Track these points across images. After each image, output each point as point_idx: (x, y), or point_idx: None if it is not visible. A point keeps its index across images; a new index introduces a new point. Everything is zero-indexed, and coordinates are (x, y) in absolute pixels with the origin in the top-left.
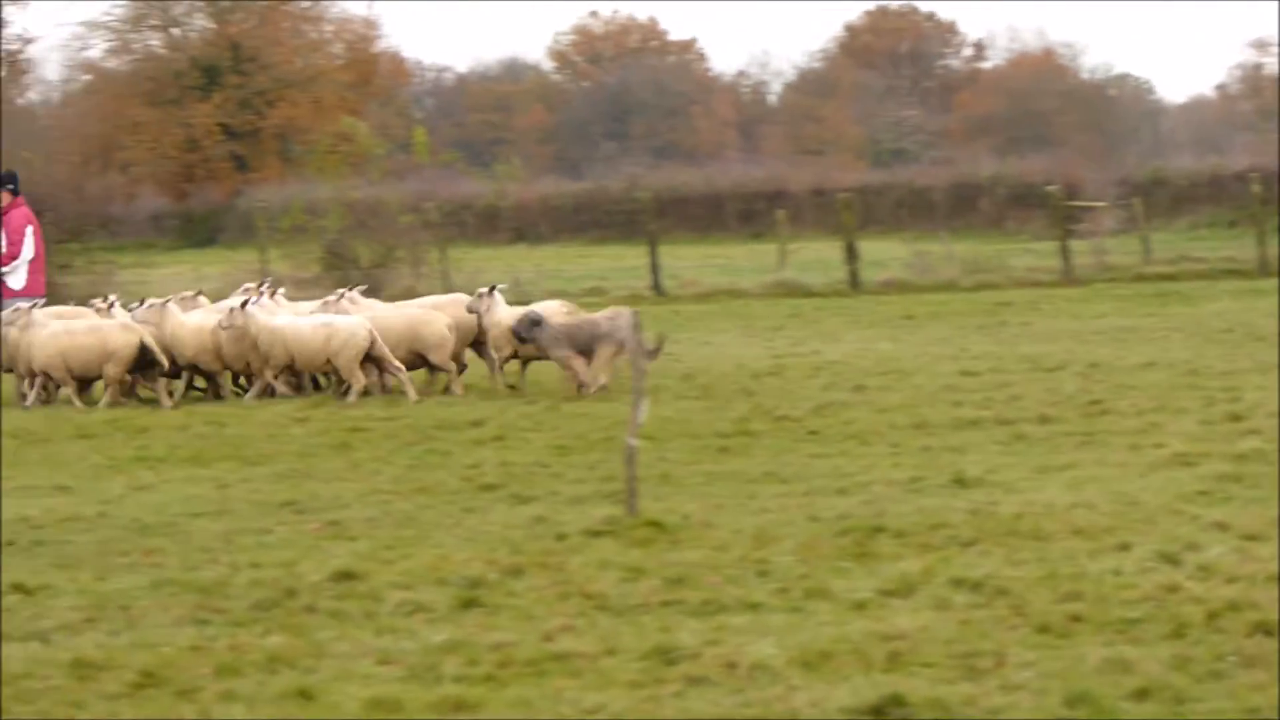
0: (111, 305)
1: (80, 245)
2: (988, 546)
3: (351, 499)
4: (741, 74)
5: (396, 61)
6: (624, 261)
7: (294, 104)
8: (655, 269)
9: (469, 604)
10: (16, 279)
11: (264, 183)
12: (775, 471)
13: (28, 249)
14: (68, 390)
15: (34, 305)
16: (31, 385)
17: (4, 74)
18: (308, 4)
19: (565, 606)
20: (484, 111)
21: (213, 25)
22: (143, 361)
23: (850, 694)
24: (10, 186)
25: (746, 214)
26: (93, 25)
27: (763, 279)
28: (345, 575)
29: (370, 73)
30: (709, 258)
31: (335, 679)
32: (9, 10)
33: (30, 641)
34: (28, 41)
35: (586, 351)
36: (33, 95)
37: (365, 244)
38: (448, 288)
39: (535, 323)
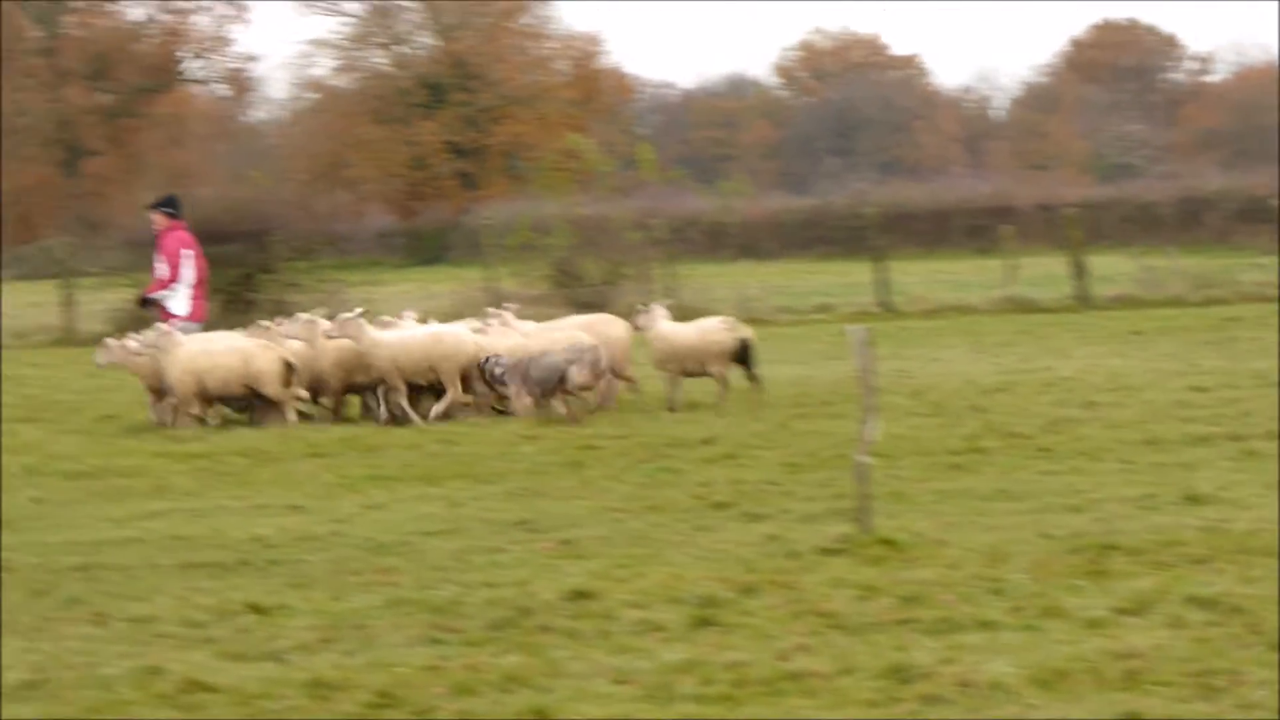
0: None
1: (308, 263)
2: (1221, 564)
3: (584, 517)
4: (966, 89)
5: (620, 78)
6: (850, 278)
7: (519, 121)
8: (882, 285)
9: (703, 623)
10: (179, 304)
11: (490, 200)
12: (1007, 489)
13: (187, 273)
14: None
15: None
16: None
17: (229, 91)
18: (532, 20)
19: (799, 625)
20: (709, 128)
21: (438, 43)
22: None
23: (1087, 713)
24: (168, 209)
25: (972, 229)
26: (319, 43)
27: (990, 295)
28: (579, 594)
29: (595, 89)
30: (935, 273)
31: (570, 698)
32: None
33: (266, 661)
34: (253, 60)
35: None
36: (260, 113)
37: (592, 261)
38: (674, 304)
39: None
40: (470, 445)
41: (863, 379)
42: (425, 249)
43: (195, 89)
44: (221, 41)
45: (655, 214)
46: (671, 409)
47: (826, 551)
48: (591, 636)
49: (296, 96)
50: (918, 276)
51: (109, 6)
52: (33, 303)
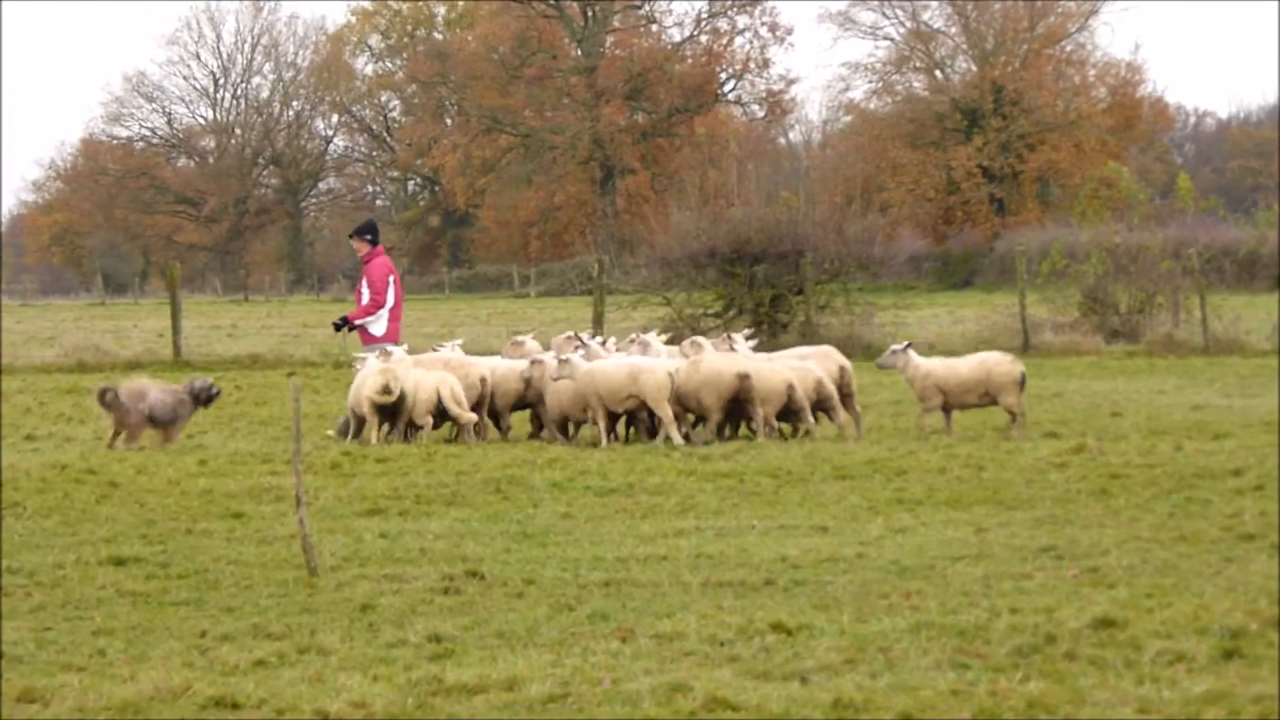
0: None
1: (839, 286)
2: None
3: (1110, 545)
4: None
5: (1159, 106)
6: None
7: (1054, 148)
8: None
9: (1230, 655)
10: (378, 327)
11: (1021, 226)
12: None
13: (389, 298)
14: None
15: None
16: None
17: (764, 113)
18: (1072, 47)
19: None
20: (1245, 157)
21: (975, 68)
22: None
23: None
24: (369, 236)
25: None
26: (855, 66)
27: None
28: (1105, 623)
29: (1133, 117)
30: None
31: None
32: (774, 52)
33: (790, 681)
34: (791, 82)
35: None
36: (795, 135)
37: (1124, 289)
38: (1206, 335)
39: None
40: (997, 471)
41: None
42: (955, 273)
43: (732, 110)
44: (760, 64)
45: (1190, 243)
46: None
47: None
48: (1117, 666)
49: (832, 119)
50: None
51: (651, 28)
52: (560, 318)
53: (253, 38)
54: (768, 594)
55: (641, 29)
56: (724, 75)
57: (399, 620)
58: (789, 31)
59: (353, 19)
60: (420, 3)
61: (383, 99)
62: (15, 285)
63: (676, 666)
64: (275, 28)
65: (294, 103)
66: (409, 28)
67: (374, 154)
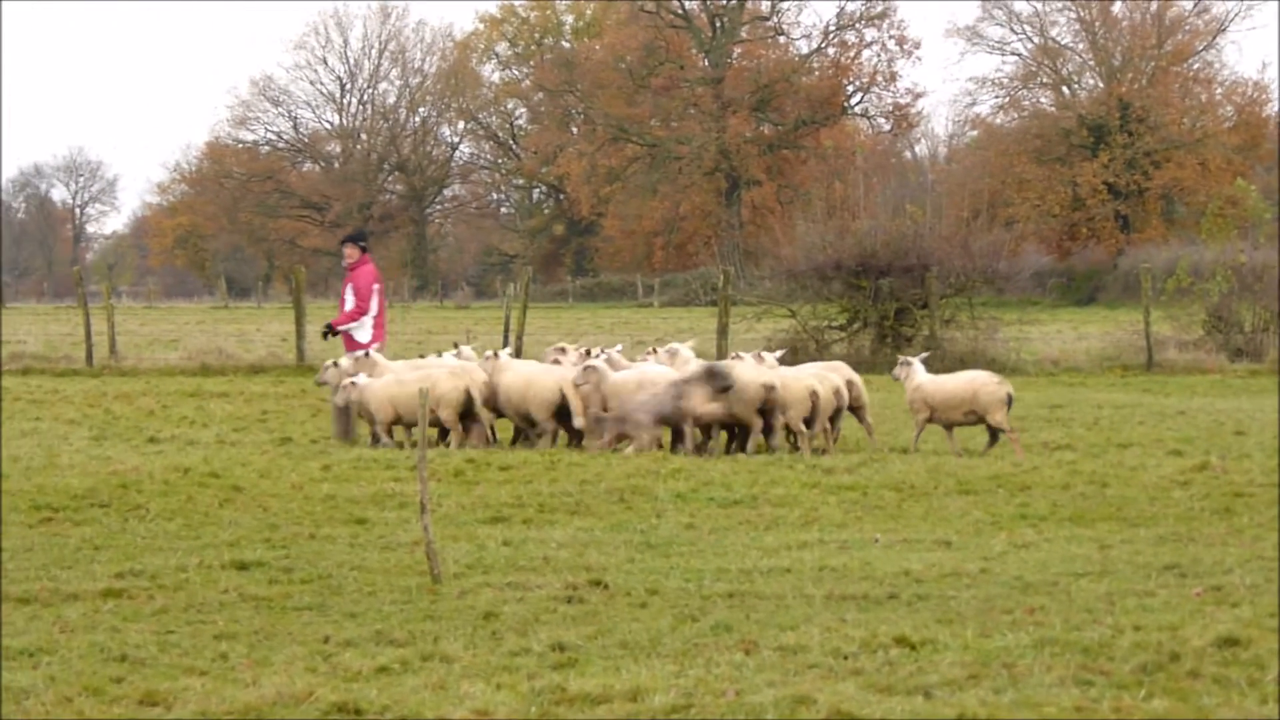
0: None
1: (964, 300)
2: None
3: (1234, 564)
4: None
5: None
6: None
7: (1180, 165)
8: None
9: None
10: (363, 334)
11: (1146, 243)
12: None
13: (375, 305)
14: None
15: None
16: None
17: (891, 126)
18: (1199, 65)
19: None
20: None
21: (1102, 85)
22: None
23: None
24: (361, 243)
25: None
26: (982, 81)
27: None
28: (1229, 641)
29: (1259, 136)
30: None
31: None
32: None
33: (915, 696)
34: (918, 96)
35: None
36: (920, 149)
37: (1249, 308)
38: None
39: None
40: (1120, 488)
41: None
42: (1079, 289)
43: (858, 122)
44: (887, 77)
45: None
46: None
47: None
48: (1241, 685)
49: (958, 133)
50: None
51: (778, 39)
52: (683, 328)
53: (380, 43)
54: (891, 608)
55: (769, 40)
56: (851, 88)
57: (522, 628)
58: (916, 45)
59: (480, 26)
60: (548, 11)
61: (509, 106)
62: (139, 287)
63: (800, 679)
64: (403, 33)
65: (420, 109)
66: (536, 35)
67: (499, 161)
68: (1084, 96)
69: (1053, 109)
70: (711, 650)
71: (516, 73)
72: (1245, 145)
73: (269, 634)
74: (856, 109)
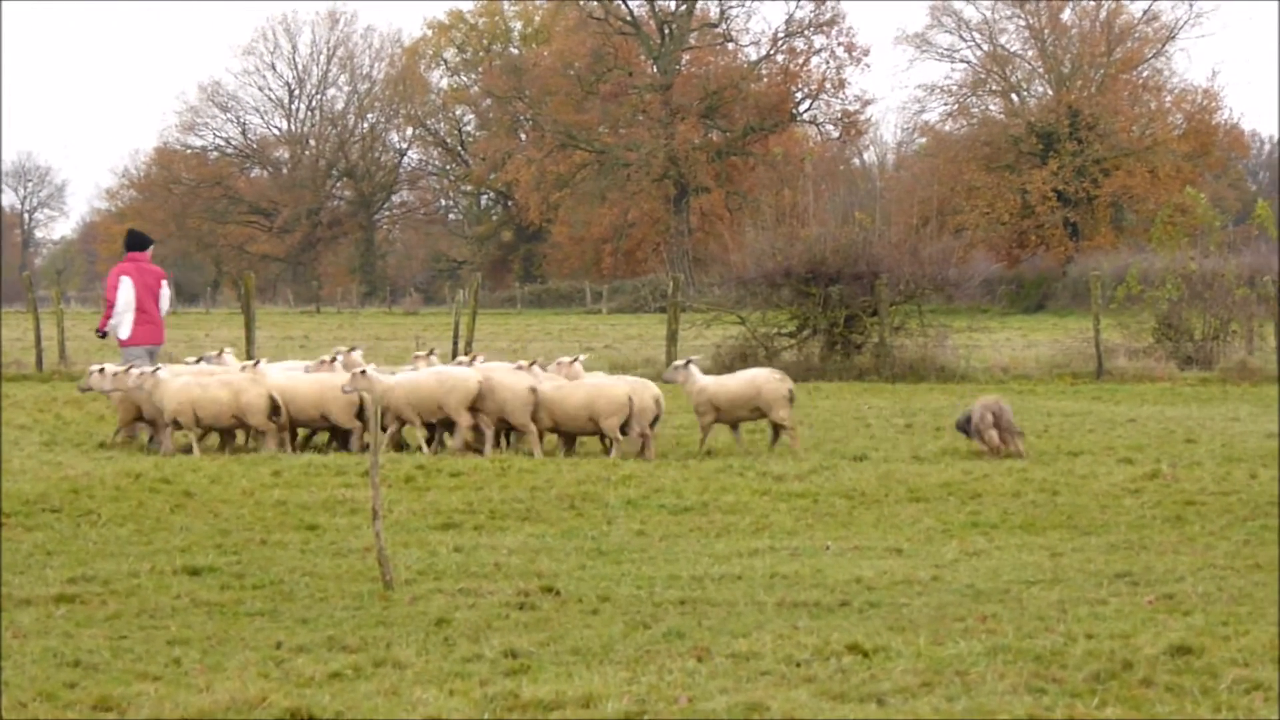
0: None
1: (914, 307)
2: None
3: (1186, 572)
4: None
5: (1235, 133)
6: None
7: (1130, 173)
8: None
9: None
10: (124, 330)
11: (1095, 251)
12: None
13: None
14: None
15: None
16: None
17: (839, 133)
18: (1149, 73)
19: None
20: None
21: (1051, 92)
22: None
23: None
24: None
25: None
26: (931, 88)
27: None
28: (1181, 649)
29: (1209, 144)
30: None
31: None
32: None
33: (868, 703)
34: (866, 103)
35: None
36: (869, 156)
37: (1199, 316)
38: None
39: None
40: (1071, 496)
41: None
42: (1028, 297)
43: (807, 129)
44: (836, 84)
45: (1266, 270)
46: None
47: None
48: (1193, 693)
49: (907, 140)
50: None
51: (727, 46)
52: (632, 335)
53: (328, 49)
54: (843, 615)
55: (718, 47)
56: (800, 95)
57: (474, 635)
58: (865, 52)
59: (428, 32)
60: (496, 17)
61: (457, 113)
62: (87, 292)
63: (753, 686)
64: (351, 40)
65: (369, 115)
66: (484, 42)
67: (448, 168)
68: (1033, 104)
69: (1002, 116)
70: (664, 657)
71: (465, 79)
72: (1195, 153)
73: (222, 639)
74: (805, 116)
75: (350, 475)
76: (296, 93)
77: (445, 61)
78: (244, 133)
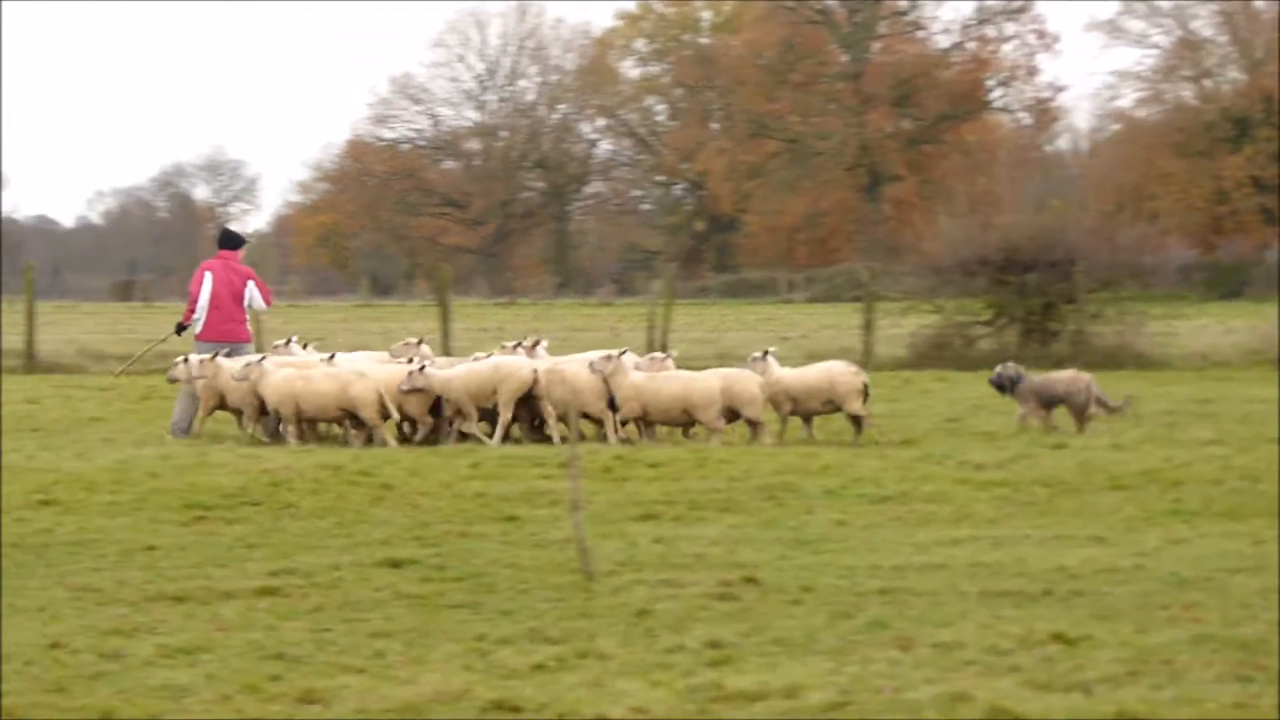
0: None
1: (1111, 295)
2: None
3: None
4: None
5: None
6: None
7: None
8: None
9: None
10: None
11: None
12: None
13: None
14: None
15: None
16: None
17: (1033, 120)
18: None
19: None
20: None
21: (1245, 77)
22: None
23: None
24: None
25: None
26: (1124, 75)
27: None
28: None
29: None
30: None
31: None
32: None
33: (1073, 692)
34: (1059, 89)
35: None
36: (1062, 143)
37: None
38: None
39: (1016, 379)
40: (1273, 484)
41: None
42: (1224, 283)
43: (999, 117)
44: (1028, 71)
45: None
46: None
47: None
48: None
49: (1100, 127)
50: None
51: (917, 34)
52: (827, 324)
53: (518, 41)
54: (1046, 604)
55: (908, 35)
56: (991, 82)
57: (676, 626)
58: (1056, 39)
59: (618, 23)
60: (686, 7)
61: (648, 103)
62: (281, 285)
63: (957, 676)
64: (541, 31)
65: (559, 106)
66: (674, 32)
67: (639, 158)
68: (1226, 89)
69: (1195, 102)
70: (867, 647)
71: (655, 69)
72: None
73: (424, 632)
74: (997, 103)
75: (548, 467)
76: (487, 84)
77: (635, 52)
78: (435, 124)
